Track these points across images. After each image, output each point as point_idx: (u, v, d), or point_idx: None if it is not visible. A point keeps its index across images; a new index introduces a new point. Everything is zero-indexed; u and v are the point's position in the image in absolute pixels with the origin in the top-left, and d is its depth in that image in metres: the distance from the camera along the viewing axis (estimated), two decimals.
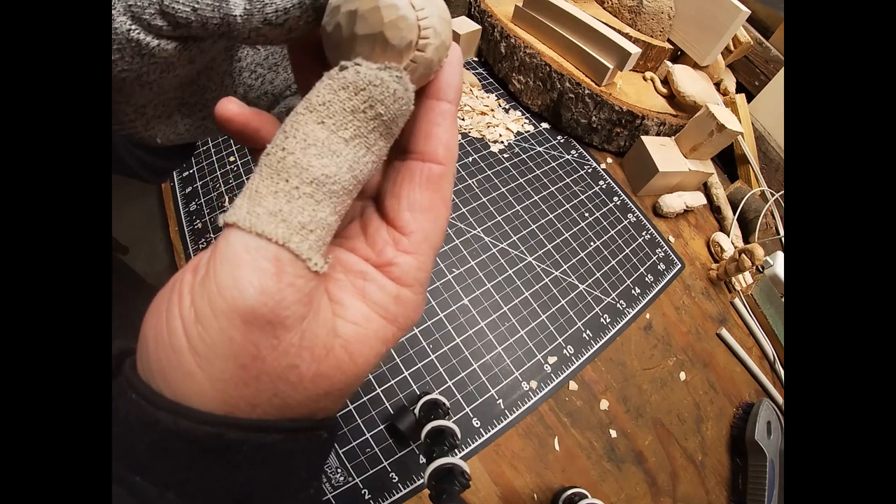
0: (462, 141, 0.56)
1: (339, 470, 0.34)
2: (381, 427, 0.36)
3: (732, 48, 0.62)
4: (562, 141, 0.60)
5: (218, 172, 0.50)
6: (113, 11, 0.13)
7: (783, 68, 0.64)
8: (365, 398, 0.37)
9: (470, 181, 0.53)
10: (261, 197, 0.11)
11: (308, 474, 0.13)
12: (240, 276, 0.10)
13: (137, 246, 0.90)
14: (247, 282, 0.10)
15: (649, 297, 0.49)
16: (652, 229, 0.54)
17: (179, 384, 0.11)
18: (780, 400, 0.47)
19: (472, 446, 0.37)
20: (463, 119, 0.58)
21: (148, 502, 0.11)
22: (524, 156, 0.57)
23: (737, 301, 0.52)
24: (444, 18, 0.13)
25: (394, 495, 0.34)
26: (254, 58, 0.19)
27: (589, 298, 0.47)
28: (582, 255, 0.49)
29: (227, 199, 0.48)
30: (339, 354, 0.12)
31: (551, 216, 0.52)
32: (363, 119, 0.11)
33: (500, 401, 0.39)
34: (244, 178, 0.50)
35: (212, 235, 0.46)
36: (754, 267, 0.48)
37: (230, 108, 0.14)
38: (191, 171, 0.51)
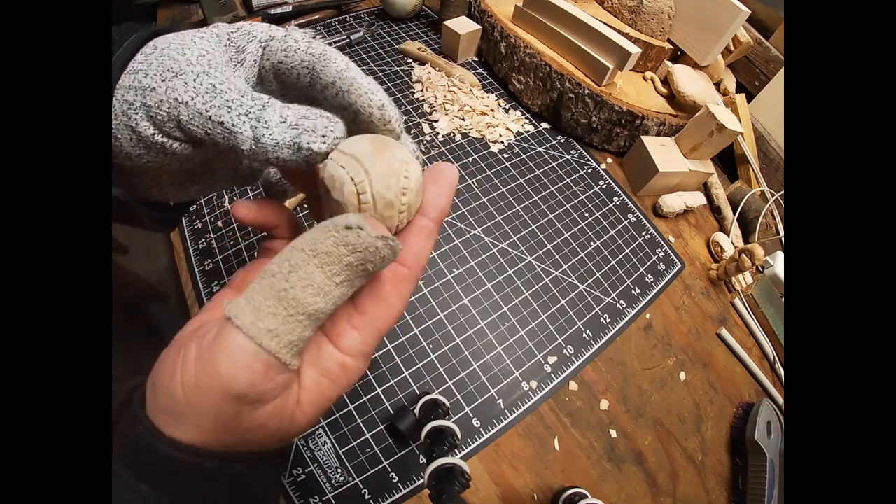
0: (462, 141, 0.56)
1: (339, 470, 0.34)
2: (381, 427, 0.36)
3: (732, 48, 0.61)
4: (562, 141, 0.60)
5: None
6: (136, 116, 0.15)
7: (783, 68, 0.64)
8: (365, 398, 0.37)
9: (470, 181, 0.53)
10: (263, 315, 0.13)
11: (266, 488, 0.17)
12: (237, 372, 0.13)
13: (137, 246, 0.90)
14: (241, 377, 0.13)
15: (649, 297, 0.49)
16: (652, 229, 0.54)
17: (174, 425, 0.14)
18: (780, 400, 0.47)
19: (472, 446, 0.37)
20: (463, 119, 0.58)
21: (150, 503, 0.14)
22: (524, 156, 0.57)
23: (737, 301, 0.52)
24: (419, 181, 0.16)
25: (394, 495, 0.34)
26: None
27: (589, 298, 0.47)
28: (582, 255, 0.49)
29: (226, 199, 0.48)
30: (295, 413, 0.15)
31: (551, 216, 0.52)
32: (355, 270, 0.14)
33: (500, 401, 0.39)
34: None
35: (211, 235, 0.46)
36: (754, 267, 0.48)
37: (241, 211, 0.18)
38: None
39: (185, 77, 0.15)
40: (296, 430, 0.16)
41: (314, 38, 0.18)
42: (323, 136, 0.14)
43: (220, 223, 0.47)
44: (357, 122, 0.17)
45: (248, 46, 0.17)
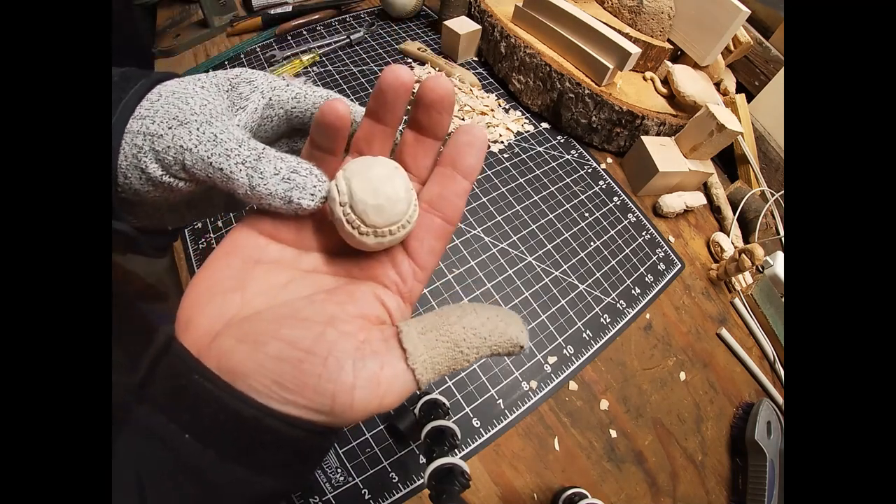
0: None
1: (339, 470, 0.34)
2: (381, 427, 0.36)
3: (732, 48, 0.61)
4: (562, 141, 0.60)
5: None
6: (146, 159, 0.16)
7: (783, 68, 0.64)
8: None
9: None
10: (436, 359, 0.16)
11: (310, 466, 0.17)
12: (393, 404, 0.15)
13: None
14: (394, 405, 0.15)
15: (649, 297, 0.49)
16: (652, 229, 0.54)
17: (279, 398, 0.15)
18: (780, 400, 0.47)
19: (472, 446, 0.37)
20: (463, 119, 0.58)
21: (192, 454, 0.14)
22: (524, 156, 0.57)
23: (737, 301, 0.52)
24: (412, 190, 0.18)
25: (394, 495, 0.34)
26: None
27: (589, 298, 0.47)
28: (582, 255, 0.49)
29: None
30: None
31: (551, 216, 0.52)
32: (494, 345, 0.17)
33: (500, 401, 0.39)
34: None
35: (211, 235, 0.46)
36: (754, 267, 0.48)
37: (341, 106, 0.18)
38: None
39: (190, 126, 0.16)
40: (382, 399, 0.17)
41: (305, 81, 0.20)
42: (311, 195, 0.17)
43: (219, 223, 0.47)
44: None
45: (251, 96, 0.19)
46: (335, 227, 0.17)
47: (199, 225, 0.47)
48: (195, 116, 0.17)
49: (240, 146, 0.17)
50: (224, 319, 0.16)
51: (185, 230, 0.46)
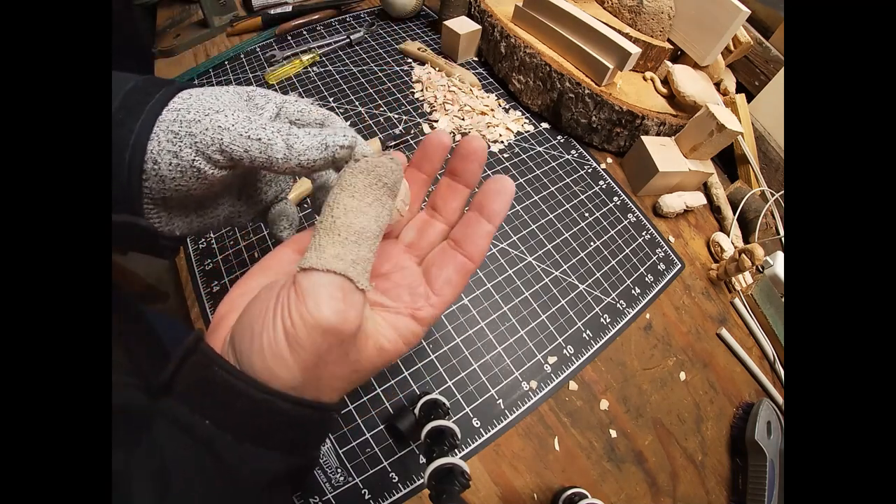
0: None
1: (339, 470, 0.34)
2: (381, 427, 0.36)
3: (732, 48, 0.61)
4: (562, 141, 0.60)
5: None
6: (181, 143, 0.18)
7: (783, 68, 0.64)
8: (365, 398, 0.37)
9: None
10: (323, 248, 0.16)
11: (319, 435, 0.20)
12: (321, 304, 0.15)
13: None
14: (325, 307, 0.15)
15: (649, 297, 0.49)
16: (652, 229, 0.54)
17: (273, 362, 0.16)
18: (780, 400, 0.47)
19: (472, 446, 0.37)
20: (463, 119, 0.58)
21: (212, 438, 0.16)
22: (524, 156, 0.57)
23: (737, 301, 0.52)
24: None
25: (394, 495, 0.34)
26: (256, 175, 0.25)
27: (589, 298, 0.47)
28: (582, 255, 0.49)
29: None
30: (371, 355, 0.19)
31: (551, 216, 0.52)
32: (376, 188, 0.18)
33: (500, 401, 0.39)
34: None
35: (211, 235, 0.46)
36: (754, 267, 0.48)
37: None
38: None
39: (225, 112, 0.18)
40: (364, 373, 0.19)
41: (313, 102, 0.24)
42: (344, 135, 0.19)
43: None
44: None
45: (267, 105, 0.21)
46: None
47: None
48: (228, 106, 0.19)
49: (272, 122, 0.19)
50: None
51: None
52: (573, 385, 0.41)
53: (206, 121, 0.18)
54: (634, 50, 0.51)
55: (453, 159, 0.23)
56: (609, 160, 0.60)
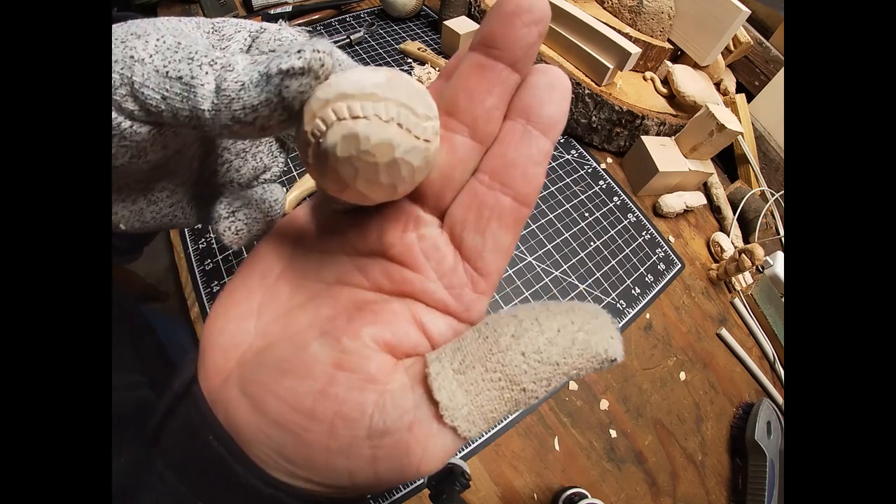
0: None
1: None
2: None
3: (732, 48, 0.62)
4: (562, 141, 0.60)
5: None
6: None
7: (783, 68, 0.64)
8: None
9: None
10: (484, 414, 0.11)
11: None
12: (437, 468, 0.11)
13: None
14: (439, 467, 0.12)
15: (649, 297, 0.49)
16: (652, 229, 0.54)
17: (290, 474, 0.12)
18: (780, 400, 0.47)
19: (472, 446, 0.37)
20: None
21: None
22: None
23: (737, 301, 0.52)
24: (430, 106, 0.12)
25: (394, 495, 0.34)
26: (221, 142, 0.18)
27: (589, 298, 0.47)
28: (582, 255, 0.49)
29: None
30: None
31: (551, 216, 0.52)
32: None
33: None
34: None
35: (211, 235, 0.46)
36: (754, 267, 0.48)
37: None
38: None
39: (148, 38, 0.12)
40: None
41: (310, 36, 0.15)
42: (298, 53, 0.10)
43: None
44: None
45: (236, 35, 0.15)
46: (320, 172, 0.12)
47: (199, 225, 0.47)
48: (157, 31, 0.12)
49: (209, 51, 0.12)
50: (237, 354, 0.14)
51: (186, 230, 0.46)
52: (573, 385, 0.41)
53: (118, 49, 0.12)
54: (634, 50, 0.51)
55: (488, 20, 0.12)
56: (609, 160, 0.60)
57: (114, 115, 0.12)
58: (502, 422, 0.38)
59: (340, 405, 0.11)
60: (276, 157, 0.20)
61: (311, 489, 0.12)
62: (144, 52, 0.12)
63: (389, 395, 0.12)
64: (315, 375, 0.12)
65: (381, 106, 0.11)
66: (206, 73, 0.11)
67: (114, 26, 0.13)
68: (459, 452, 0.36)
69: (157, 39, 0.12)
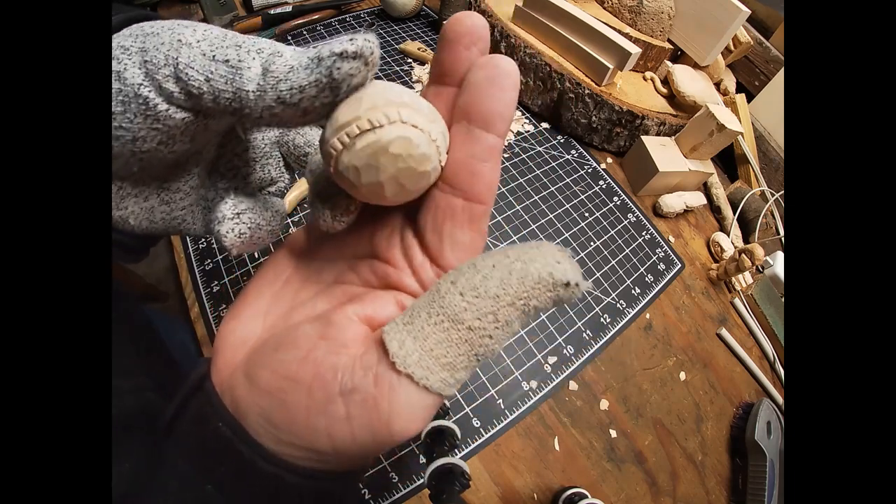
0: None
1: None
2: None
3: (732, 48, 0.61)
4: (562, 141, 0.60)
5: None
6: (128, 61, 0.13)
7: (783, 68, 0.64)
8: None
9: None
10: (441, 365, 0.12)
11: (341, 500, 0.16)
12: (411, 427, 0.12)
13: None
14: (413, 429, 0.12)
15: (649, 297, 0.49)
16: (652, 229, 0.54)
17: (289, 450, 0.13)
18: (780, 400, 0.47)
19: (472, 446, 0.37)
20: None
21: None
22: (524, 156, 0.57)
23: (737, 301, 0.52)
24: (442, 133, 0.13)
25: (394, 495, 0.34)
26: (233, 148, 0.19)
27: (589, 298, 0.47)
28: (582, 255, 0.49)
29: None
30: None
31: (551, 216, 0.52)
32: (535, 312, 0.12)
33: (500, 401, 0.39)
34: None
35: (210, 236, 0.46)
36: (754, 267, 0.48)
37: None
38: None
39: (196, 28, 0.13)
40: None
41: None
42: (350, 40, 0.11)
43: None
44: None
45: (252, 63, 0.15)
46: (343, 178, 0.13)
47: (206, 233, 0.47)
48: (202, 25, 0.13)
49: (256, 41, 0.13)
50: (245, 349, 0.15)
51: None
52: (573, 385, 0.41)
53: (165, 34, 0.13)
54: (634, 50, 0.51)
55: (438, 51, 0.14)
56: (609, 160, 0.60)
57: (152, 95, 0.13)
58: (499, 422, 0.38)
59: (318, 367, 0.12)
60: (283, 172, 0.21)
61: (299, 458, 0.13)
62: (192, 37, 0.12)
63: (359, 358, 0.12)
64: (301, 346, 0.13)
65: (427, 122, 0.12)
66: (254, 58, 0.12)
67: (158, 23, 0.13)
68: (459, 453, 0.36)
69: (205, 30, 0.13)
